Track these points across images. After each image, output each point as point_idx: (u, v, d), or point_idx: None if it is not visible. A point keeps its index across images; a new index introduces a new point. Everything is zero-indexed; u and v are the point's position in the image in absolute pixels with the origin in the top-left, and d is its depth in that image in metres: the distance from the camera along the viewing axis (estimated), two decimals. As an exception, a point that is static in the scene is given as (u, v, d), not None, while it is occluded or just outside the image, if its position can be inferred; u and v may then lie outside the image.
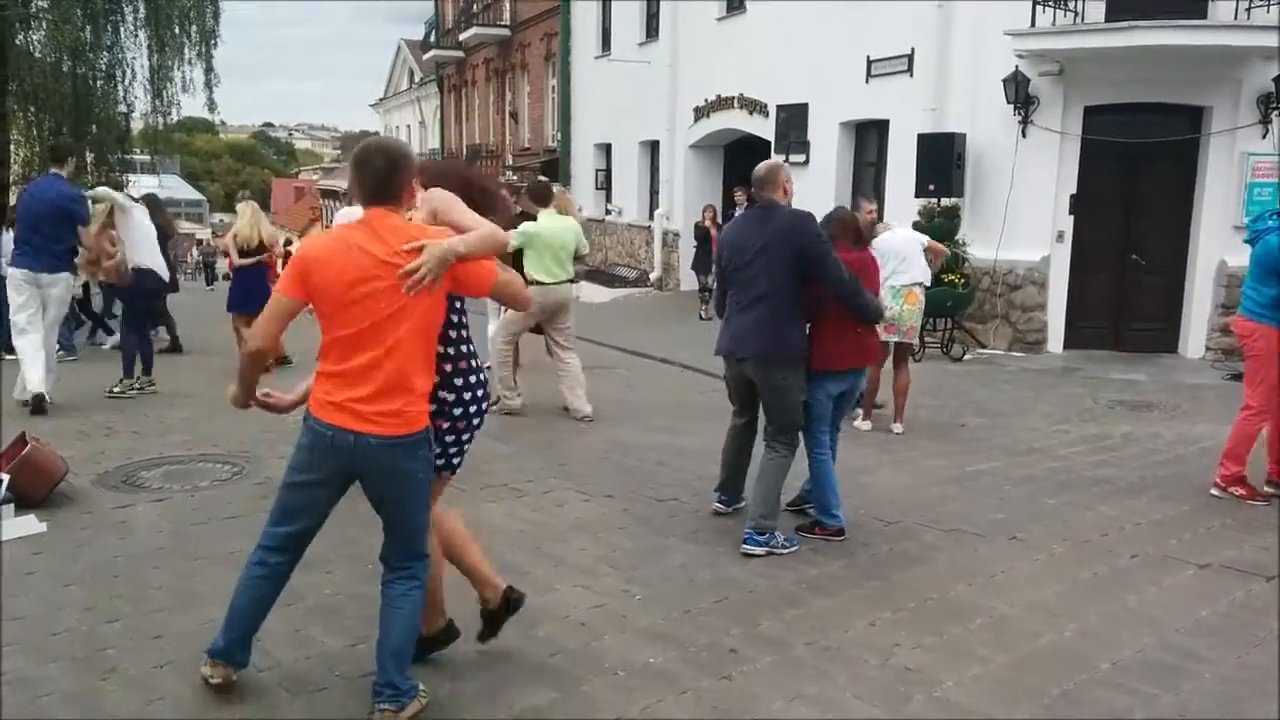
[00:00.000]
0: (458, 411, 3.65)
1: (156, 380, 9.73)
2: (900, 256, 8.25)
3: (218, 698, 3.65)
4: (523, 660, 4.05)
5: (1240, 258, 11.61)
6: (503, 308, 9.37)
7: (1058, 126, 12.40)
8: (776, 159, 5.72)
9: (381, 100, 52.42)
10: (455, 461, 3.74)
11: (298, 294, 3.32)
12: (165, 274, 9.72)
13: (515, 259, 8.95)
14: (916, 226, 11.06)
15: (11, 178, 21.08)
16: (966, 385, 10.70)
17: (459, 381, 3.63)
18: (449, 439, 3.66)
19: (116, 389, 9.48)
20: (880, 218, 9.25)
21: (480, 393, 3.71)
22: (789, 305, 5.39)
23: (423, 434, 3.43)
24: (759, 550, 5.31)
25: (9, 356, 11.82)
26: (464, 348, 3.65)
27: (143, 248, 9.50)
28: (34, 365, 8.80)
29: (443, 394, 3.59)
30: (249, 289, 10.74)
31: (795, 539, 5.48)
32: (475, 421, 3.73)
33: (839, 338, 5.57)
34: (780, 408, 5.48)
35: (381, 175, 3.36)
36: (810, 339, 5.54)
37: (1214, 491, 6.52)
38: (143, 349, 9.73)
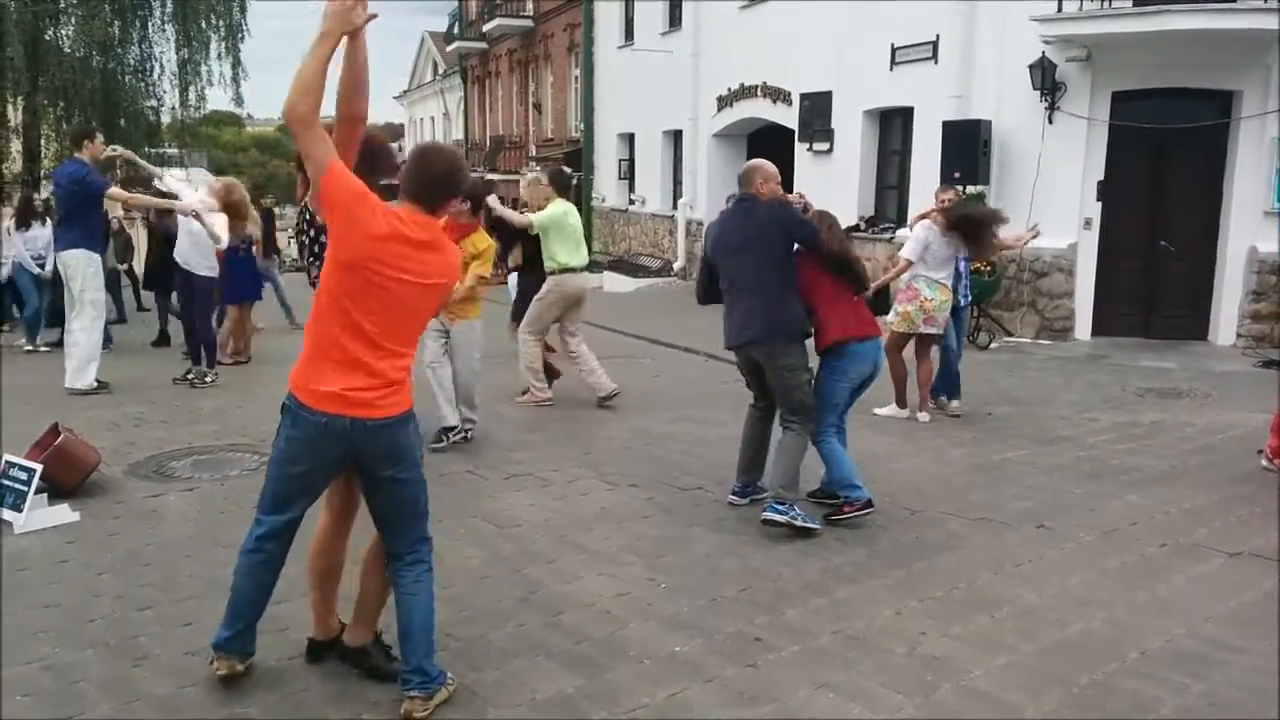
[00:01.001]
0: None
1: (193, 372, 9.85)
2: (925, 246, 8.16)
3: (248, 685, 3.69)
4: (548, 648, 4.06)
5: (1272, 244, 11.56)
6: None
7: (1085, 112, 12.29)
8: (759, 160, 5.90)
9: (405, 92, 52.52)
10: None
11: (334, 182, 3.26)
12: (214, 271, 9.78)
13: (523, 247, 9.04)
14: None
15: (42, 172, 21.30)
16: (993, 373, 10.63)
17: None
18: None
19: (208, 378, 9.67)
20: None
21: None
22: (782, 286, 5.56)
23: (411, 410, 3.49)
24: (780, 518, 5.35)
25: (29, 348, 12.03)
26: None
27: (198, 247, 9.57)
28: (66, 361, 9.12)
29: None
30: (244, 280, 10.97)
31: (815, 518, 5.48)
32: None
33: (841, 309, 5.67)
34: (787, 387, 5.55)
35: (436, 181, 3.42)
36: (816, 326, 5.67)
37: (1263, 463, 6.71)
38: (190, 340, 9.84)
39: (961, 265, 8.42)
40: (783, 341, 5.53)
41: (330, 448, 3.40)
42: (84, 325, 9.11)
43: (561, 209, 8.66)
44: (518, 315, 9.08)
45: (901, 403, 8.39)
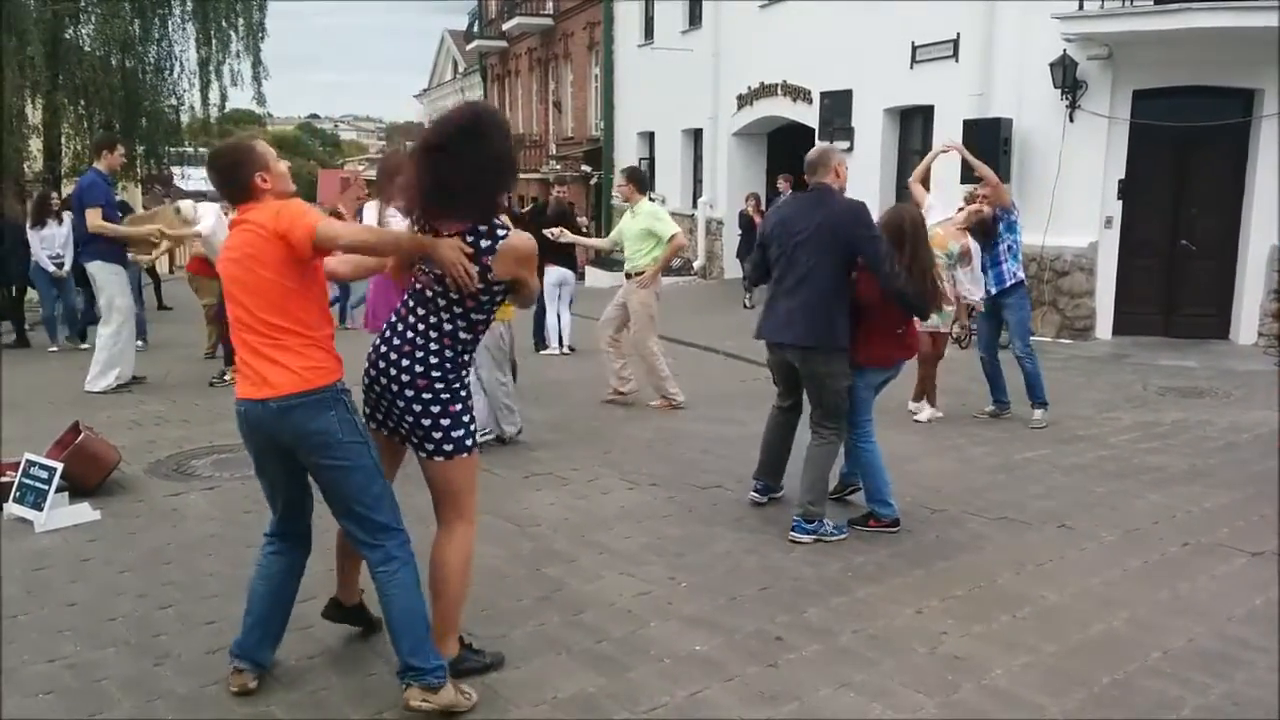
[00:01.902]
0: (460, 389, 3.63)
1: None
2: None
3: (269, 683, 3.71)
4: (568, 647, 4.07)
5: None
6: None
7: (1106, 111, 12.22)
8: (827, 143, 5.72)
9: (425, 91, 52.66)
10: (469, 443, 3.65)
11: None
12: None
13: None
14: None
15: (63, 170, 21.42)
16: (1014, 373, 10.56)
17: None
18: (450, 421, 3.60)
19: (227, 377, 9.68)
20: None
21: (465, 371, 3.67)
22: (833, 293, 5.29)
23: (316, 393, 3.41)
24: (806, 538, 5.29)
25: (53, 348, 12.12)
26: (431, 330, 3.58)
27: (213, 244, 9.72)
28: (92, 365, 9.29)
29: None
30: None
31: (844, 527, 5.43)
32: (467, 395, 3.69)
33: (883, 338, 5.49)
34: (824, 393, 5.41)
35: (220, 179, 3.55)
36: (855, 336, 5.41)
37: None
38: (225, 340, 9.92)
39: (988, 255, 8.06)
40: (822, 353, 5.32)
41: (254, 435, 3.50)
42: (111, 332, 9.27)
43: (658, 208, 8.79)
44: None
45: (923, 398, 8.33)
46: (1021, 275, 8.23)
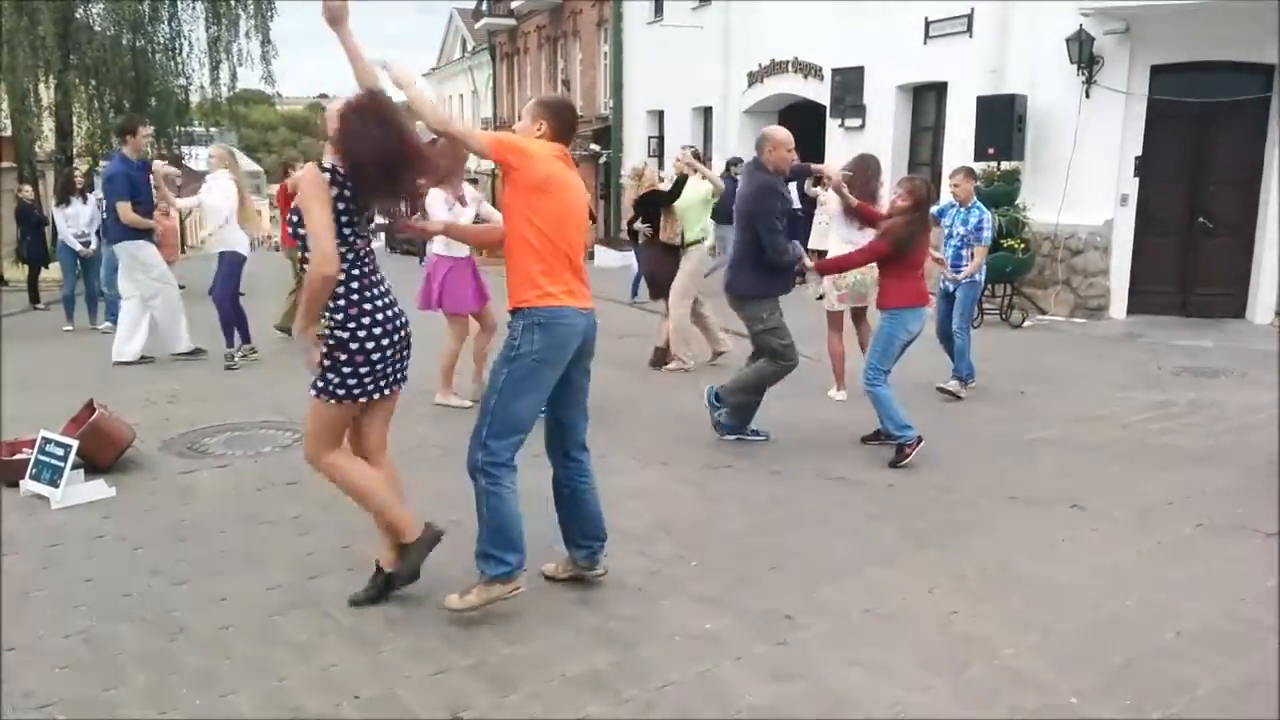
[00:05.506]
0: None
1: (257, 348, 10.00)
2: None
3: (281, 659, 3.73)
4: (579, 625, 4.07)
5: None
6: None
7: (1123, 86, 12.11)
8: (779, 128, 6.26)
9: (434, 69, 52.47)
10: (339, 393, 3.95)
11: None
12: (245, 248, 9.84)
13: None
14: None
15: (75, 150, 21.46)
16: (1026, 352, 10.54)
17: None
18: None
19: (237, 358, 9.72)
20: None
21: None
22: (750, 253, 6.44)
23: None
24: (705, 402, 6.82)
25: (67, 328, 12.15)
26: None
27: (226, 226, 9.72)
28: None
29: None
30: None
31: (755, 434, 6.77)
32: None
33: (901, 281, 6.31)
34: (755, 336, 6.60)
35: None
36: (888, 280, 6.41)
37: None
38: (238, 319, 9.86)
39: (957, 240, 8.25)
40: (737, 299, 6.55)
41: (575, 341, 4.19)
42: (136, 305, 9.42)
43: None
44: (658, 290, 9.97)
45: (840, 382, 8.22)
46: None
